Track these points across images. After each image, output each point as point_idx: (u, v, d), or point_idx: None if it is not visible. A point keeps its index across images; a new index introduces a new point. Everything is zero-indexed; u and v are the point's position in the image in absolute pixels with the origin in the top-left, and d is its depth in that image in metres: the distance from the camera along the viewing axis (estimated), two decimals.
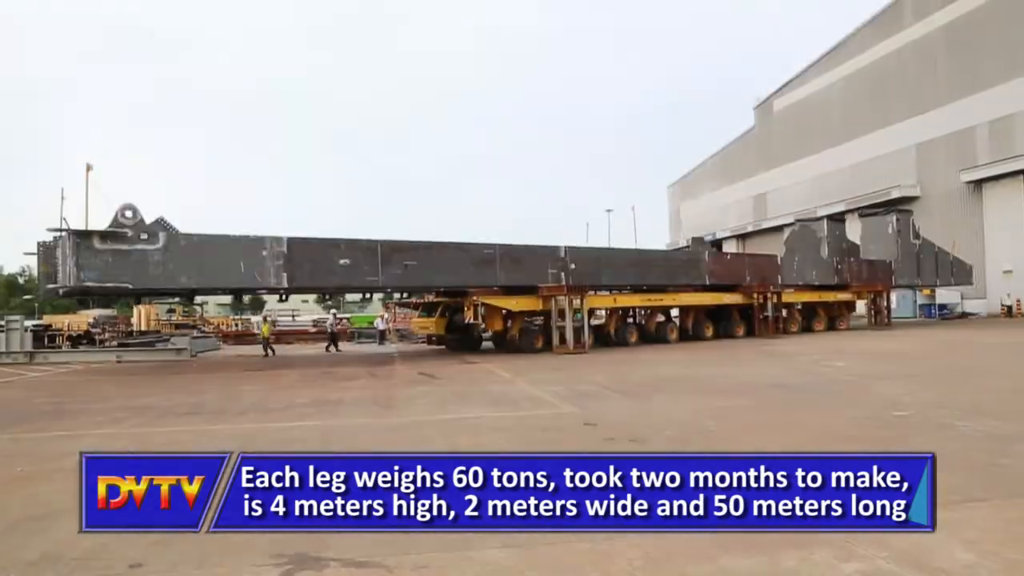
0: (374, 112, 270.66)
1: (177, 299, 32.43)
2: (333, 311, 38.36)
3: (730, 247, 64.51)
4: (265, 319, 31.51)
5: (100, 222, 17.76)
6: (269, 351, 27.31)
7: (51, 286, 18.37)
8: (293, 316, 58.68)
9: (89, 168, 18.86)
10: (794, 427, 8.85)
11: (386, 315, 37.22)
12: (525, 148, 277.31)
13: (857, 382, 13.27)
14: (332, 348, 29.40)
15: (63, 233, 17.24)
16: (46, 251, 18.46)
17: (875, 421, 9.06)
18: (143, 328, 43.40)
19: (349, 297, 29.37)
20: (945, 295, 41.44)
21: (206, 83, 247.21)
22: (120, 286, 17.80)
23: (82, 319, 47.08)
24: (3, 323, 26.35)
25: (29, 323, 29.86)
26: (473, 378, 15.94)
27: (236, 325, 53.77)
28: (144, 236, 17.67)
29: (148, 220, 18.10)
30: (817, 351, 20.83)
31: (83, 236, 17.19)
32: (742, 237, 64.60)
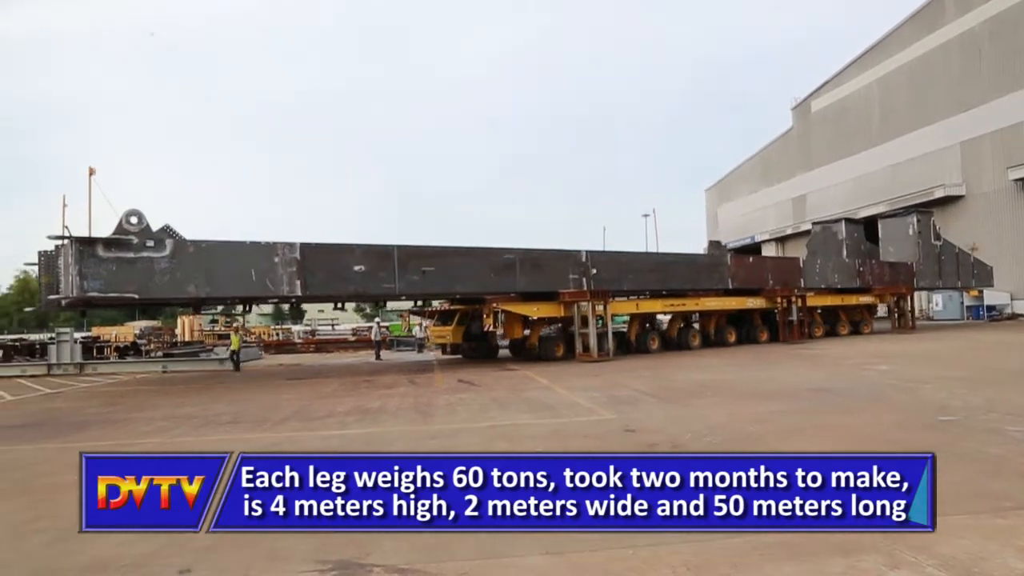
0: (395, 125, 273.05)
1: (201, 311, 30.92)
2: (377, 320, 38.54)
3: (769, 250, 63.64)
4: (236, 330, 29.94)
5: (105, 229, 16.87)
6: (235, 365, 25.55)
7: (52, 297, 17.46)
8: (333, 325, 59.51)
9: (92, 172, 17.82)
10: (837, 431, 8.71)
11: (424, 323, 37.25)
12: (549, 153, 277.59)
13: (901, 386, 12.99)
14: (377, 356, 29.67)
15: (65, 241, 16.41)
16: (47, 260, 17.62)
17: (921, 426, 8.87)
18: (187, 338, 44.26)
19: (390, 305, 28.99)
20: (993, 296, 40.36)
21: (238, 95, 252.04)
22: (125, 296, 16.84)
23: (128, 330, 48.31)
24: (54, 335, 27.13)
25: (78, 335, 30.65)
26: (512, 385, 15.95)
27: (277, 334, 54.58)
28: (150, 243, 16.81)
29: (155, 227, 17.26)
30: (855, 354, 20.45)
31: (86, 244, 16.23)
32: (781, 240, 63.66)
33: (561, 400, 12.86)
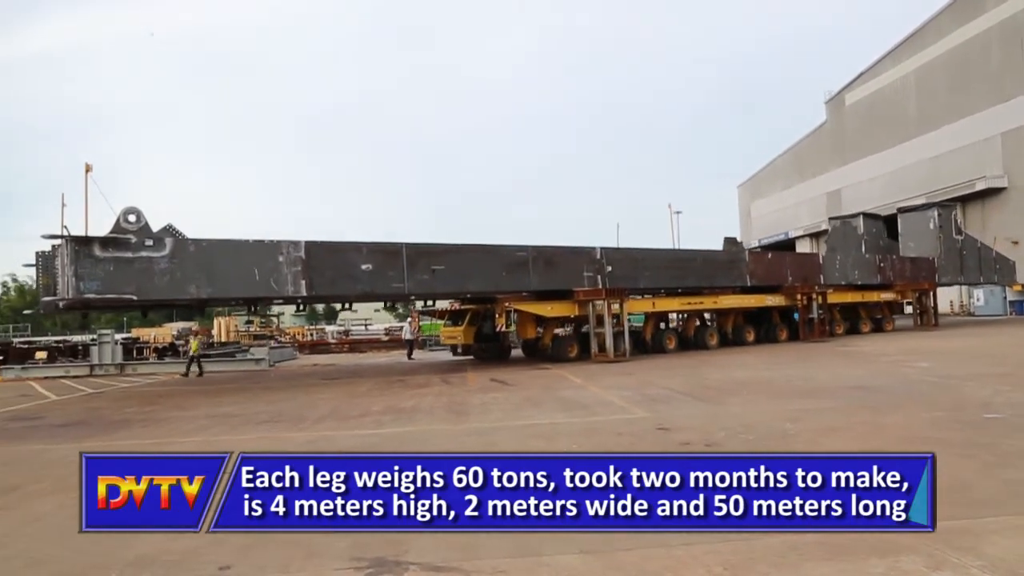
0: (415, 126, 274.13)
1: (204, 312, 29.49)
2: (408, 319, 38.65)
3: (803, 246, 62.86)
4: (195, 334, 29.24)
5: (104, 228, 16.08)
6: (194, 369, 24.54)
7: (48, 299, 16.84)
8: (366, 325, 60.02)
9: (88, 169, 17.00)
10: (876, 430, 8.57)
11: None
12: (570, 154, 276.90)
13: (942, 383, 12.75)
14: (410, 356, 29.80)
15: (61, 241, 15.70)
16: (45, 261, 16.92)
17: (963, 424, 8.69)
18: (223, 339, 44.92)
19: (419, 305, 28.42)
20: None
21: (273, 99, 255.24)
22: (123, 297, 16.09)
23: (166, 331, 49.24)
24: (96, 337, 27.74)
25: (119, 336, 31.28)
26: (545, 384, 15.95)
27: (312, 335, 55.16)
28: (149, 242, 16.07)
29: (158, 226, 16.58)
30: (893, 350, 20.10)
31: (82, 243, 15.49)
32: (816, 236, 62.75)
33: (595, 398, 12.84)
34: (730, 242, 31.04)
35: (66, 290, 15.57)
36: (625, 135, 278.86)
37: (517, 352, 26.50)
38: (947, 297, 45.37)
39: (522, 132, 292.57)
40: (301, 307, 22.36)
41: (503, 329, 22.72)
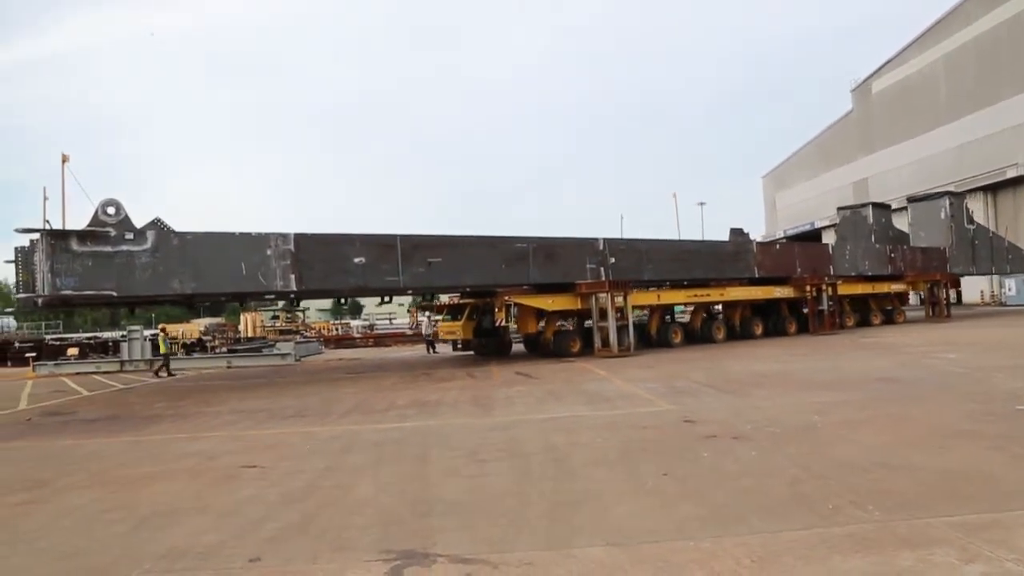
0: (423, 125, 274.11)
1: (194, 307, 27.69)
2: (427, 313, 38.64)
3: (829, 236, 62.11)
4: (163, 330, 28.07)
5: (82, 222, 15.46)
6: (164, 372, 23.05)
7: (24, 295, 16.14)
8: (391, 320, 60.27)
9: (65, 159, 16.27)
10: (903, 422, 8.46)
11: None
12: (575, 152, 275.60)
13: (971, 374, 12.54)
14: (431, 350, 29.82)
15: (39, 235, 15.03)
16: (24, 257, 15.96)
17: (993, 416, 8.54)
18: (250, 335, 45.35)
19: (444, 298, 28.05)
20: None
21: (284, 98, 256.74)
22: (102, 294, 15.38)
23: (194, 327, 49.79)
24: (126, 333, 28.16)
25: (148, 332, 31.73)
26: (569, 377, 15.92)
27: (337, 329, 55.50)
28: (129, 235, 15.34)
29: (149, 223, 16.07)
30: (918, 341, 19.82)
31: (59, 237, 14.74)
32: None
33: (618, 391, 12.80)
34: (736, 233, 30.58)
35: (43, 287, 14.99)
36: (625, 135, 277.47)
37: (518, 347, 26.13)
38: (978, 287, 44.65)
39: (522, 132, 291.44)
40: (294, 301, 21.95)
41: (503, 323, 22.22)
